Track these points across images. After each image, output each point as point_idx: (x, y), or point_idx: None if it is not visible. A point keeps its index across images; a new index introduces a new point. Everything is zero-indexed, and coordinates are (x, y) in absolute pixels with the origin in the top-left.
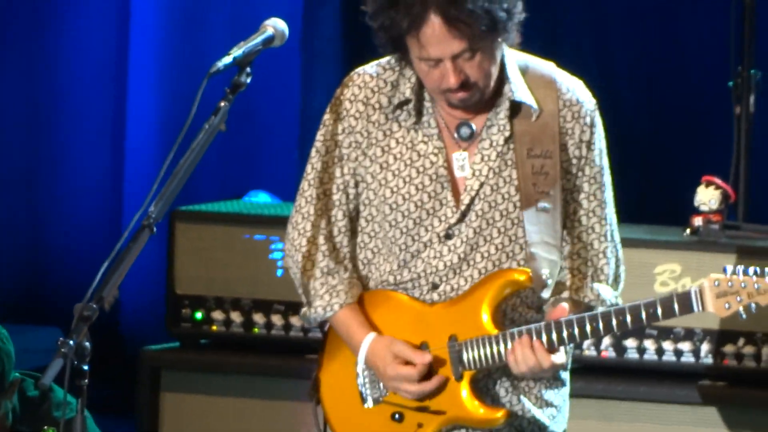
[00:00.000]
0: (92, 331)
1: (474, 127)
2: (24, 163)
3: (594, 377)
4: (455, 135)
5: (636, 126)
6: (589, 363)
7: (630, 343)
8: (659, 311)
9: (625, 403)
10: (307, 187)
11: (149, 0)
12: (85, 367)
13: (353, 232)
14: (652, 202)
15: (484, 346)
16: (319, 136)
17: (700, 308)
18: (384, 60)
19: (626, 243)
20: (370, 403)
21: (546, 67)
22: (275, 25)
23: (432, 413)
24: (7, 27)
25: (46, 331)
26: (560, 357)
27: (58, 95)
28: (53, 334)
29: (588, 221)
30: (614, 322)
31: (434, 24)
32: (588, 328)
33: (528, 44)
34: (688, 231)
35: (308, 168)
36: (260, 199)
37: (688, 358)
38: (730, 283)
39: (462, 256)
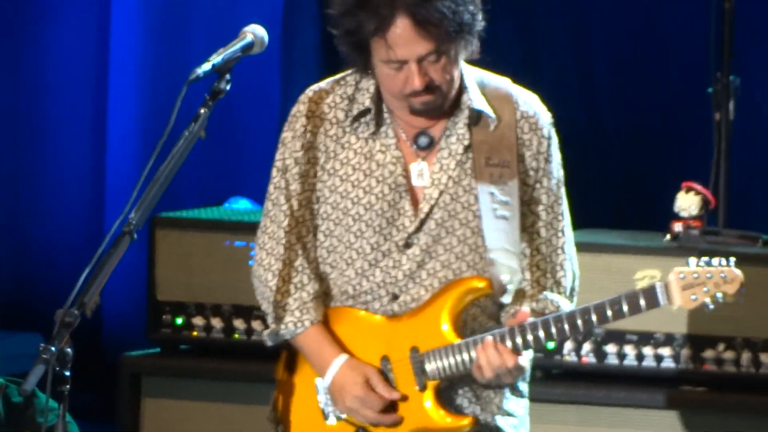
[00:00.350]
0: (74, 337)
1: (433, 136)
2: (5, 170)
3: (574, 383)
4: (414, 145)
5: (616, 132)
6: (570, 369)
7: (610, 348)
8: (625, 308)
9: (606, 409)
10: (271, 207)
11: (130, 6)
12: (67, 373)
13: (315, 248)
14: (632, 208)
15: (447, 356)
16: (278, 155)
17: (666, 302)
18: (339, 76)
19: (606, 249)
20: (332, 420)
21: (502, 81)
22: (255, 32)
23: (397, 426)
24: None
25: (28, 337)
26: (525, 360)
27: (38, 102)
28: (35, 340)
29: (546, 233)
30: (579, 321)
31: (402, 25)
32: (553, 329)
33: (508, 51)
34: (668, 237)
35: (270, 188)
36: (240, 206)
37: (668, 364)
38: (695, 275)
39: (421, 264)
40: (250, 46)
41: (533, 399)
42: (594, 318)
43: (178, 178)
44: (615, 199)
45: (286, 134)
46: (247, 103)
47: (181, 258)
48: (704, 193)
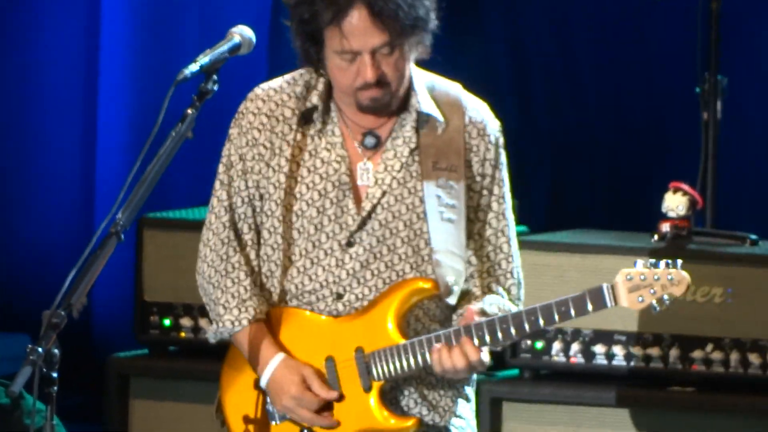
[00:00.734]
0: (63, 338)
1: (380, 136)
2: None
3: (562, 383)
4: (360, 144)
5: (603, 132)
6: (558, 369)
7: (599, 348)
8: (572, 310)
9: (594, 409)
10: (216, 203)
11: (119, 6)
12: (54, 375)
13: (259, 245)
14: (619, 208)
15: (392, 356)
16: (224, 151)
17: (613, 303)
18: (289, 75)
19: (593, 249)
20: (277, 420)
21: (452, 86)
22: (242, 33)
23: (341, 427)
24: None
25: (16, 339)
26: (486, 355)
27: (27, 103)
28: (23, 341)
29: (497, 241)
30: (526, 323)
31: (358, 15)
32: (499, 332)
33: (496, 53)
34: (655, 237)
35: (216, 184)
36: None
37: (656, 364)
38: (642, 277)
39: (364, 264)
40: (237, 47)
41: (522, 400)
42: (540, 320)
43: (166, 178)
44: (603, 199)
45: (233, 130)
46: (235, 104)
47: (168, 259)
48: (692, 194)
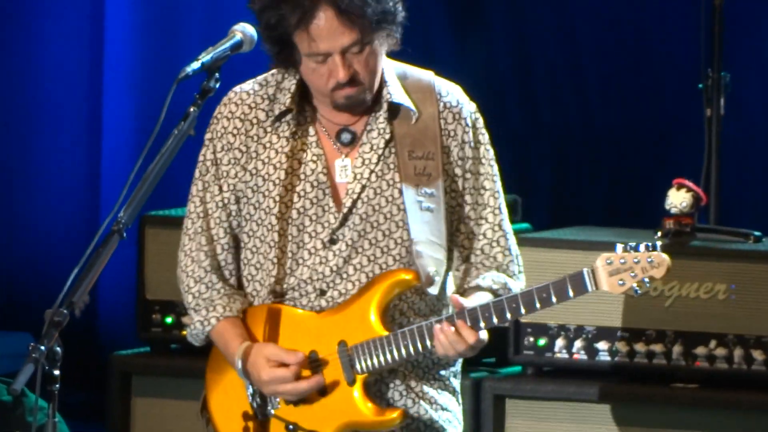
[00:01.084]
0: (66, 336)
1: (355, 131)
2: None
3: (566, 380)
4: (336, 141)
5: (607, 129)
6: (561, 365)
7: (602, 345)
8: (553, 296)
9: (598, 406)
10: (193, 209)
11: (123, 5)
12: (56, 372)
13: (237, 248)
14: (623, 205)
15: (375, 348)
16: (200, 156)
17: (594, 287)
18: (261, 77)
19: (597, 246)
20: (276, 406)
21: (424, 74)
22: (244, 31)
23: (326, 421)
24: None
25: (18, 337)
26: (485, 333)
27: (32, 101)
28: (24, 339)
29: (494, 219)
30: (507, 311)
31: (325, 16)
32: (481, 320)
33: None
34: (659, 234)
35: (192, 189)
36: None
37: (660, 360)
38: (622, 260)
39: (347, 259)
40: (239, 44)
41: (525, 396)
42: (522, 308)
43: (168, 176)
44: (606, 196)
45: (207, 135)
46: None
47: (170, 256)
48: (695, 190)
